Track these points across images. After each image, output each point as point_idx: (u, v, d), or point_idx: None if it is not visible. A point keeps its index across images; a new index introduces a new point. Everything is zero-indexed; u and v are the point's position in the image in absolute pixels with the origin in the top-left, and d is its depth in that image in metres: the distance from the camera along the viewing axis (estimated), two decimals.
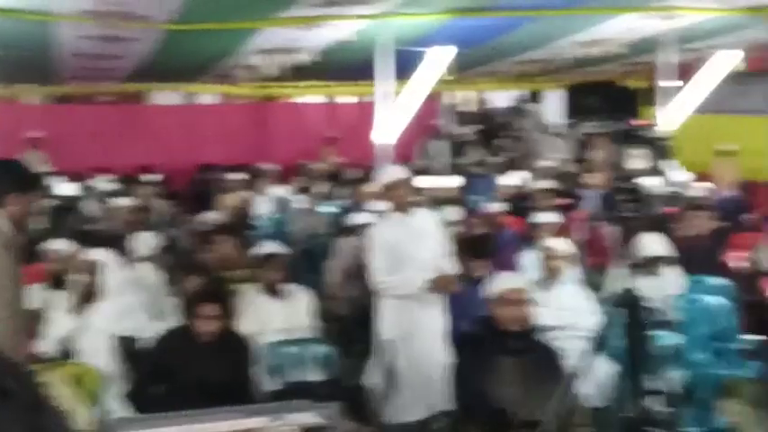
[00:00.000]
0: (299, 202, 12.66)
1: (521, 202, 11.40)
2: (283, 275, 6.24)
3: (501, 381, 4.45)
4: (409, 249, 5.98)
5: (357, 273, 8.99)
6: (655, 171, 3.76)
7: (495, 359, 4.49)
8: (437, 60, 9.44)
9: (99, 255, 6.15)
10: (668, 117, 11.00)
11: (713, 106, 15.59)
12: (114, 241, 7.43)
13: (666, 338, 5.96)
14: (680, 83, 11.18)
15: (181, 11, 8.36)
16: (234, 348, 5.35)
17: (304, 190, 12.42)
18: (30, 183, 4.51)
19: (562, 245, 6.65)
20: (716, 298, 7.15)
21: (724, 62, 11.70)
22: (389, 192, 6.11)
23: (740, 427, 6.26)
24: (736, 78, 13.48)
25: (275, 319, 6.12)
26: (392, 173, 6.23)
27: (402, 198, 6.06)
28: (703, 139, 14.80)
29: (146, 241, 7.32)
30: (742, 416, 6.68)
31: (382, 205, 6.67)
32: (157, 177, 14.30)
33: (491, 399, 4.38)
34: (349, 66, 13.08)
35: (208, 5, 8.46)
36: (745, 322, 7.71)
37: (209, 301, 5.28)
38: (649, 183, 9.84)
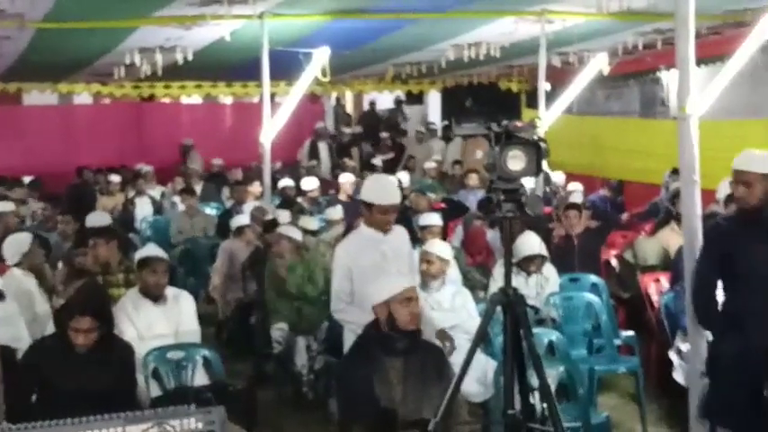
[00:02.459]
0: (180, 203, 12.51)
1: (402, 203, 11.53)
2: (165, 279, 6.13)
3: (387, 381, 4.47)
4: (373, 276, 5.34)
5: (240, 275, 8.96)
6: (534, 171, 3.83)
7: (381, 359, 4.51)
8: (314, 62, 9.46)
9: None
10: (546, 119, 11.27)
11: (585, 108, 16.07)
12: None
13: (544, 335, 6.10)
14: (548, 85, 11.46)
15: (54, 9, 8.15)
16: (115, 355, 5.23)
17: (184, 191, 12.26)
18: None
19: (442, 247, 6.73)
20: (592, 295, 7.37)
21: (594, 65, 12.06)
22: (381, 214, 5.50)
23: (617, 420, 6.47)
24: (606, 81, 13.90)
25: (157, 323, 6.01)
26: (388, 195, 5.55)
27: (389, 222, 5.57)
28: (575, 140, 15.23)
29: (20, 245, 7.10)
30: (618, 409, 6.91)
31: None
32: (33, 180, 13.93)
33: (378, 399, 4.40)
34: (228, 66, 12.98)
35: (82, 3, 8.27)
36: (621, 318, 7.97)
37: (82, 314, 5.05)
38: (528, 183, 10.08)
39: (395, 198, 5.57)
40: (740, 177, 4.87)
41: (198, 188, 13.54)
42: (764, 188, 4.80)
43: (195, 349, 6.06)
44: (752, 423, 4.73)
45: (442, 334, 6.05)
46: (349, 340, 5.37)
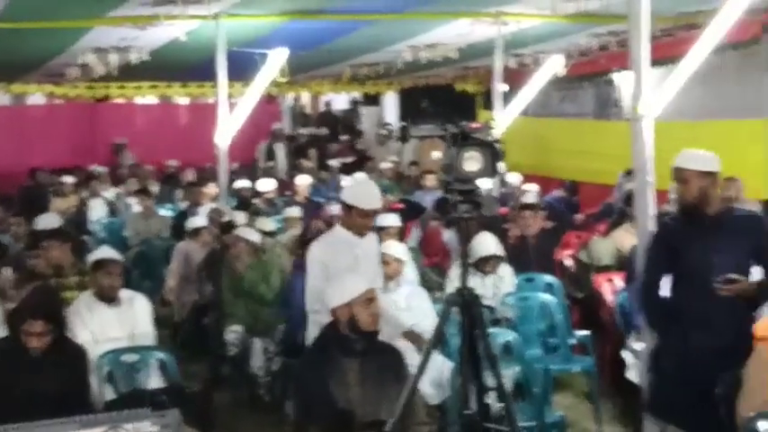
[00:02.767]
0: (135, 205, 12.41)
1: None
2: (119, 281, 6.07)
3: (345, 382, 4.47)
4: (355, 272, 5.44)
5: (195, 277, 8.91)
6: (490, 172, 3.84)
7: (339, 361, 4.51)
8: (270, 62, 9.43)
9: None
10: (502, 120, 11.34)
11: (541, 109, 16.17)
12: None
13: (500, 335, 6.13)
14: (504, 87, 11.54)
15: (7, 9, 8.05)
16: (68, 358, 5.18)
17: (140, 192, 12.15)
18: None
19: (398, 248, 6.73)
20: (547, 295, 7.42)
21: (549, 67, 12.15)
22: (360, 218, 5.51)
23: (571, 419, 6.52)
24: (561, 82, 14.01)
25: (111, 326, 5.96)
26: (370, 200, 5.54)
27: (367, 226, 5.61)
28: (530, 142, 15.33)
29: None
30: (573, 408, 6.97)
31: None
32: None
33: (334, 400, 4.39)
34: (184, 66, 12.89)
35: (35, 3, 8.18)
36: (576, 318, 8.03)
37: (34, 318, 5.01)
38: (484, 184, 10.14)
39: (376, 202, 5.55)
40: (678, 175, 4.97)
41: (153, 189, 13.44)
42: (701, 185, 4.88)
43: (150, 352, 6.02)
44: (698, 420, 4.79)
45: (411, 335, 6.07)
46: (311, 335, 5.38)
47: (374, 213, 5.58)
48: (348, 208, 5.50)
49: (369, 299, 4.66)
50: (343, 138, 18.43)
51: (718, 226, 4.91)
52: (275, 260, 8.07)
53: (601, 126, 15.10)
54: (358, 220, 5.47)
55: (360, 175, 13.26)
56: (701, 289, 4.79)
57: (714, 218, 4.92)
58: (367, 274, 5.34)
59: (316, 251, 5.59)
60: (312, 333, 5.38)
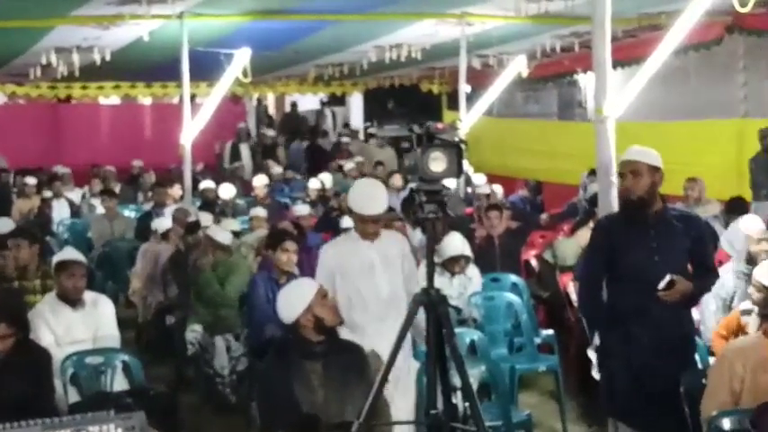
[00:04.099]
0: (98, 206, 12.31)
1: (327, 205, 11.53)
2: (83, 283, 6.02)
3: (308, 385, 4.45)
4: (359, 283, 5.30)
5: (160, 278, 8.86)
6: (455, 173, 3.84)
7: (301, 364, 4.49)
8: (234, 62, 9.40)
9: None
10: (467, 120, 11.40)
11: (505, 110, 16.26)
12: None
13: (466, 335, 6.15)
14: (469, 88, 11.60)
15: None
16: (32, 361, 5.12)
17: (105, 193, 12.05)
18: None
19: None
20: (513, 295, 7.46)
21: (513, 68, 12.22)
22: (362, 223, 5.33)
23: (537, 418, 6.55)
24: (525, 83, 14.09)
25: (75, 328, 5.91)
26: (370, 205, 5.30)
27: (373, 233, 5.34)
28: (495, 142, 15.42)
29: None
30: (539, 407, 7.00)
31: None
32: None
33: (298, 404, 4.38)
34: (147, 66, 12.82)
35: None
36: (541, 317, 8.08)
37: None
38: (450, 184, 10.17)
39: (378, 207, 5.31)
40: (629, 167, 4.88)
41: (119, 190, 13.36)
42: (651, 181, 4.86)
43: (114, 354, 5.97)
44: (647, 419, 4.83)
45: None
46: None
47: (376, 218, 5.31)
48: (351, 214, 5.41)
49: (323, 296, 4.61)
50: (346, 141, 18.08)
51: (658, 225, 4.92)
52: (240, 260, 8.04)
53: (564, 126, 15.21)
54: (361, 226, 5.34)
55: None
56: (643, 288, 4.79)
57: (655, 216, 4.93)
58: (385, 277, 5.26)
59: (324, 256, 5.39)
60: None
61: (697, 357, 5.33)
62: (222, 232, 8.02)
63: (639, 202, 4.88)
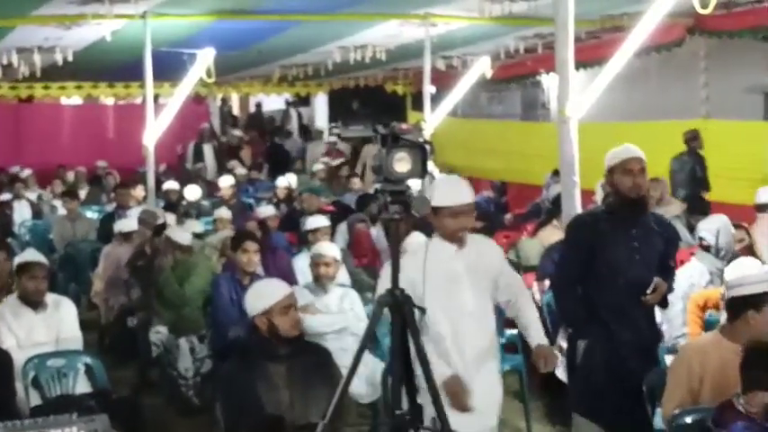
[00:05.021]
0: (60, 207, 12.20)
1: (291, 205, 11.52)
2: (44, 285, 5.96)
3: (273, 387, 4.44)
4: (454, 291, 4.59)
5: (122, 280, 8.79)
6: (420, 173, 3.83)
7: (265, 365, 4.47)
8: (198, 62, 9.36)
9: None
10: (431, 121, 11.43)
11: (469, 111, 16.33)
12: None
13: None
14: (433, 88, 11.63)
15: None
16: None
17: (66, 194, 11.94)
18: None
19: (333, 248, 6.73)
20: None
21: (477, 69, 12.27)
22: (451, 218, 4.56)
23: (502, 417, 6.57)
24: (489, 84, 14.15)
25: (37, 331, 5.85)
26: (456, 194, 4.61)
27: (463, 228, 4.62)
28: (459, 142, 15.47)
29: None
30: (503, 407, 7.02)
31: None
32: None
33: (263, 406, 4.36)
34: (110, 66, 12.74)
35: None
36: (506, 317, 8.10)
37: None
38: (415, 185, 10.19)
39: (466, 196, 4.59)
40: (640, 164, 4.89)
41: (83, 192, 13.26)
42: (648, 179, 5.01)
43: (77, 356, 5.92)
44: (628, 419, 4.87)
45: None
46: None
47: (467, 210, 4.57)
48: (435, 212, 4.53)
49: (286, 306, 4.58)
50: (334, 141, 17.98)
51: (639, 224, 4.98)
52: (200, 261, 7.99)
53: (528, 127, 15.31)
54: (448, 222, 4.55)
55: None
56: (621, 287, 4.86)
57: (639, 216, 4.99)
58: (471, 291, 4.59)
59: (405, 263, 4.41)
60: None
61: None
62: (181, 233, 7.97)
63: (642, 200, 4.94)
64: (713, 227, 6.59)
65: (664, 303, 5.13)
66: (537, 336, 4.65)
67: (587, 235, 5.06)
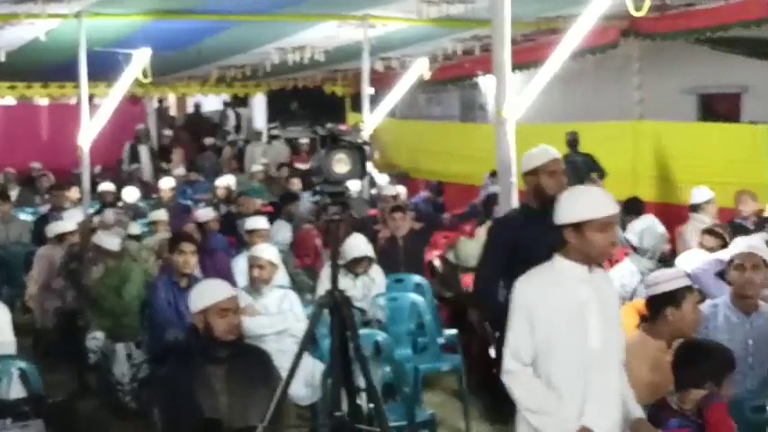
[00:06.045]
0: None
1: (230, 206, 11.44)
2: None
3: (211, 390, 4.40)
4: (564, 330, 3.81)
5: (57, 283, 8.66)
6: (359, 174, 3.83)
7: (203, 368, 4.43)
8: (134, 62, 9.26)
9: None
10: (370, 122, 11.44)
11: (408, 112, 16.39)
12: None
13: (371, 336, 6.17)
14: (372, 90, 11.65)
15: None
16: None
17: None
18: None
19: (268, 251, 6.70)
20: (417, 295, 7.51)
21: (415, 70, 12.32)
22: (599, 233, 3.81)
23: (441, 417, 6.61)
24: (427, 86, 14.23)
25: None
26: (603, 205, 3.86)
27: (612, 244, 3.90)
28: (398, 143, 15.51)
29: None
30: (443, 406, 7.07)
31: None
32: None
33: (200, 409, 4.33)
34: (44, 67, 12.54)
35: None
36: (445, 317, 8.15)
37: None
38: (354, 186, 10.19)
39: (613, 206, 3.87)
40: (554, 167, 5.15)
41: (14, 193, 13.01)
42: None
43: (10, 361, 5.81)
44: None
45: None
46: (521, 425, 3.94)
47: (616, 223, 3.93)
48: (577, 228, 3.84)
49: (224, 309, 4.54)
50: (305, 142, 17.77)
51: (551, 222, 5.03)
52: (132, 265, 7.89)
53: (466, 128, 15.40)
54: (598, 238, 3.79)
55: (227, 177, 13.09)
56: None
57: (551, 214, 5.04)
58: (599, 325, 3.81)
59: (522, 293, 3.91)
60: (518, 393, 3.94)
61: None
62: (109, 238, 7.86)
63: (555, 198, 4.99)
64: (638, 228, 6.68)
65: None
66: (635, 409, 4.00)
67: (508, 236, 5.15)
